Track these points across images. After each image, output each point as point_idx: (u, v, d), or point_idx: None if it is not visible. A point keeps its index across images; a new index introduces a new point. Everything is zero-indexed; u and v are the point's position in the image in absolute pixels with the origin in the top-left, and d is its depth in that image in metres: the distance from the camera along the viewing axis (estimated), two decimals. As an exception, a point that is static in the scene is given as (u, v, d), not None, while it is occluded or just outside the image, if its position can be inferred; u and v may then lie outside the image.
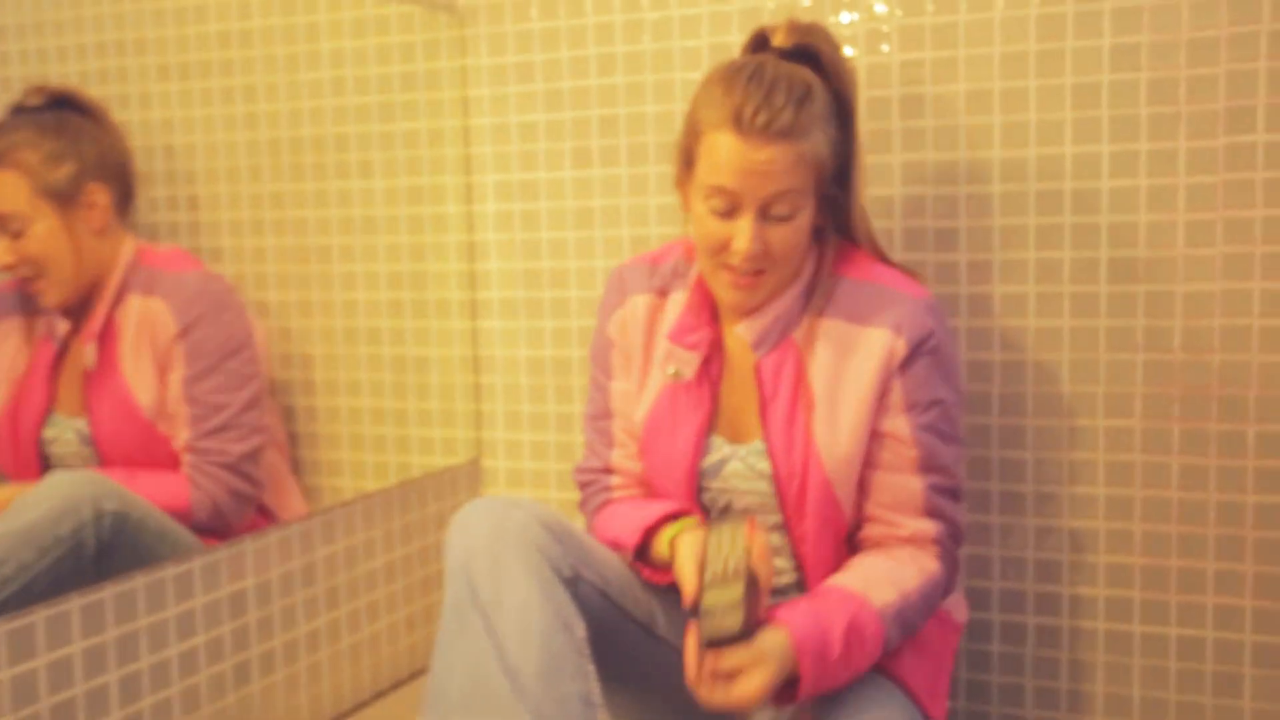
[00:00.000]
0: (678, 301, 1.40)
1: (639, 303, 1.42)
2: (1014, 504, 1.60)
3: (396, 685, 1.77)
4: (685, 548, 1.25)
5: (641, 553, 1.33)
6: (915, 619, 1.27)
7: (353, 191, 1.75)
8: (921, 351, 1.30)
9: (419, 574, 1.82)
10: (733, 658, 1.13)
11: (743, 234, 1.26)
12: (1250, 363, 1.48)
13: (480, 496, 1.88)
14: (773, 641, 1.15)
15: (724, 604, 1.15)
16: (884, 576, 1.26)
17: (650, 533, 1.33)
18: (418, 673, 1.81)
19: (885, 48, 1.60)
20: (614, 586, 1.28)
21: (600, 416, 1.46)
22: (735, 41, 1.66)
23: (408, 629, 1.80)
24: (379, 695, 1.74)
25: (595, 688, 1.15)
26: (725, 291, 1.32)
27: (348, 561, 1.67)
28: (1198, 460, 1.52)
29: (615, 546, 1.35)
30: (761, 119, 1.22)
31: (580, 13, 1.75)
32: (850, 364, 1.30)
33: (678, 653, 1.33)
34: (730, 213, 1.26)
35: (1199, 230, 1.49)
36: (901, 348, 1.29)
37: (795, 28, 1.32)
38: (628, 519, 1.36)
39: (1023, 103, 1.54)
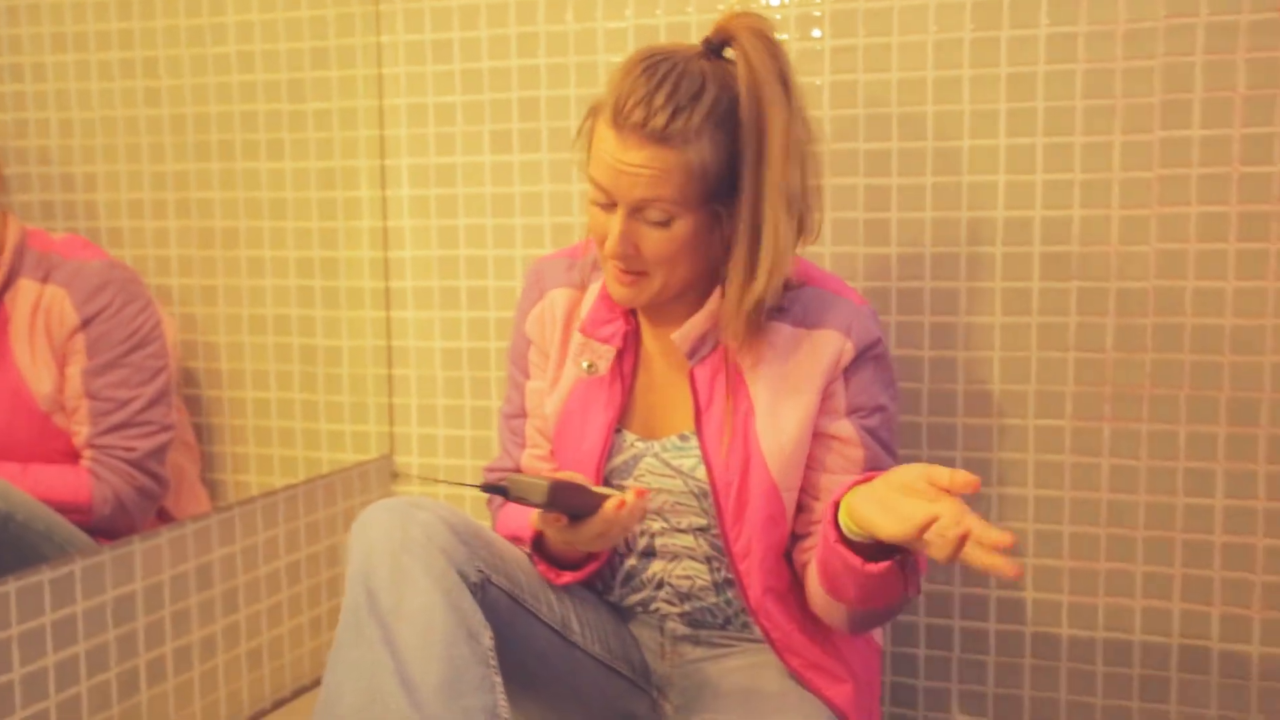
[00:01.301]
0: (595, 293, 1.35)
1: (557, 297, 1.36)
2: (942, 505, 1.56)
3: (298, 693, 1.69)
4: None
5: (539, 545, 1.28)
6: (913, 591, 1.21)
7: (261, 173, 1.66)
8: (868, 356, 1.27)
9: (325, 574, 1.74)
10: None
11: (612, 231, 1.21)
12: (1183, 362, 1.45)
13: (393, 494, 1.82)
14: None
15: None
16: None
17: None
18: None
19: (817, 33, 1.54)
20: (525, 590, 1.22)
21: (515, 415, 1.41)
22: (661, 24, 1.60)
23: (312, 632, 1.72)
24: (280, 703, 1.66)
25: (501, 699, 1.09)
26: (612, 286, 1.27)
27: (248, 562, 1.59)
28: (1128, 461, 1.49)
29: (516, 540, 1.30)
30: (637, 116, 1.16)
31: (502, -11, 1.69)
32: (796, 365, 1.26)
33: (591, 658, 1.29)
34: (609, 206, 1.21)
35: (1133, 226, 1.45)
36: (850, 350, 1.25)
37: (727, 22, 1.22)
38: (525, 511, 1.30)
39: (957, 92, 1.50)
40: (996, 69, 1.48)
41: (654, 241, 1.21)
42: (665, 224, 1.20)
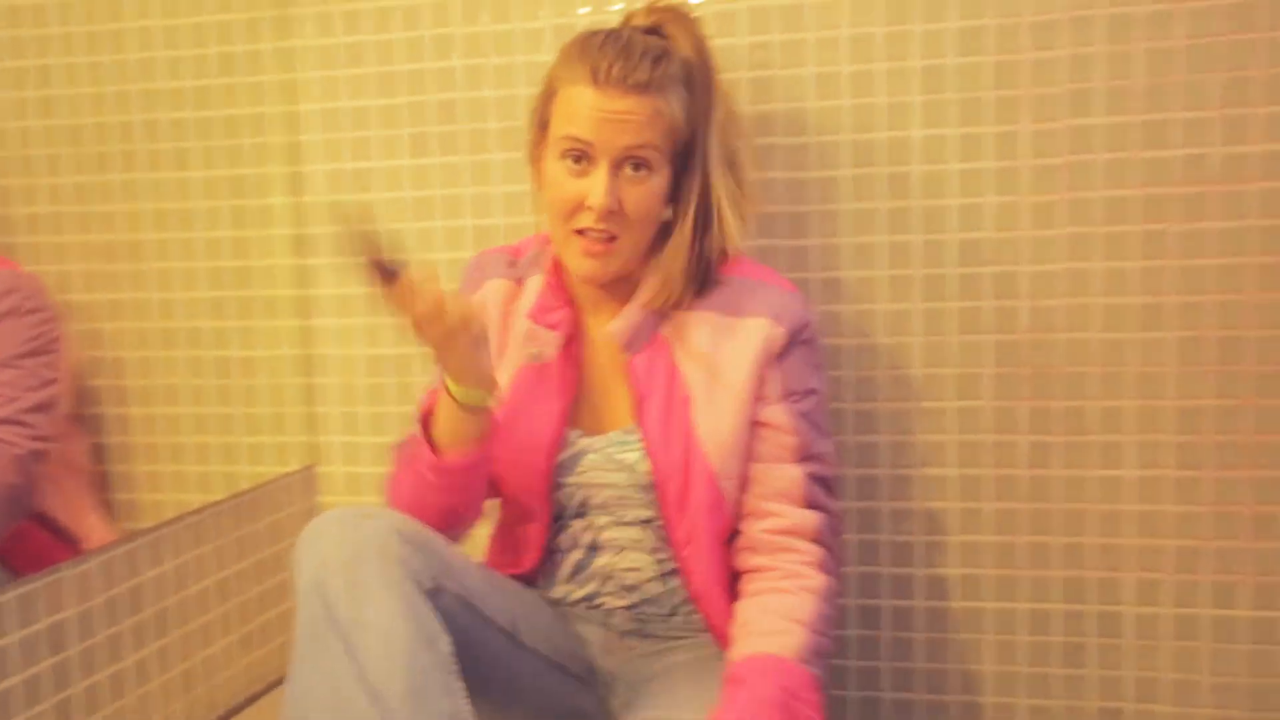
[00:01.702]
0: (535, 284, 1.37)
1: (496, 286, 1.38)
2: (869, 488, 1.60)
3: (231, 713, 1.65)
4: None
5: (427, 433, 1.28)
6: (826, 642, 1.23)
7: (167, 183, 1.62)
8: (798, 341, 1.30)
9: (255, 590, 1.71)
10: None
11: (597, 186, 1.23)
12: (1091, 340, 1.52)
13: (318, 505, 1.79)
14: None
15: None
16: (779, 622, 1.21)
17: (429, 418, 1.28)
18: (255, 696, 1.70)
19: (734, 30, 1.57)
20: (476, 594, 1.22)
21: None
22: (581, 22, 1.61)
23: (243, 650, 1.69)
24: (215, 724, 1.62)
25: (465, 705, 1.09)
26: (577, 261, 1.28)
27: (177, 582, 1.55)
28: (1044, 438, 1.55)
29: (411, 461, 1.28)
30: (618, 71, 1.22)
31: (414, -9, 1.67)
32: (727, 353, 1.28)
33: (540, 658, 1.30)
34: (584, 169, 1.24)
35: (1043, 212, 1.51)
36: (780, 336, 1.29)
37: (654, 9, 1.33)
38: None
39: (871, 86, 1.54)
40: (909, 62, 1.52)
41: (634, 197, 1.25)
42: (645, 178, 1.25)
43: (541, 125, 1.30)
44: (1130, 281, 1.50)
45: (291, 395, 1.77)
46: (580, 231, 1.26)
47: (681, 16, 1.32)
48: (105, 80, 1.54)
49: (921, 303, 1.56)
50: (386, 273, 1.14)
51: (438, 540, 1.19)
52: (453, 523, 1.29)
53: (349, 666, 1.05)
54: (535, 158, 1.32)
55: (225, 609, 1.65)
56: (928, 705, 1.62)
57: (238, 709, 1.66)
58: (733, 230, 1.30)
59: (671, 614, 1.36)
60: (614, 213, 1.25)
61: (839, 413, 1.59)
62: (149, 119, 1.59)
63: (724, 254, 1.32)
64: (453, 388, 1.22)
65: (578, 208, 1.25)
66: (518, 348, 1.35)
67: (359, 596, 1.07)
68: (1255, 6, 1.43)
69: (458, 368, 1.21)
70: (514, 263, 1.39)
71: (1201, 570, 1.52)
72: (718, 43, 1.55)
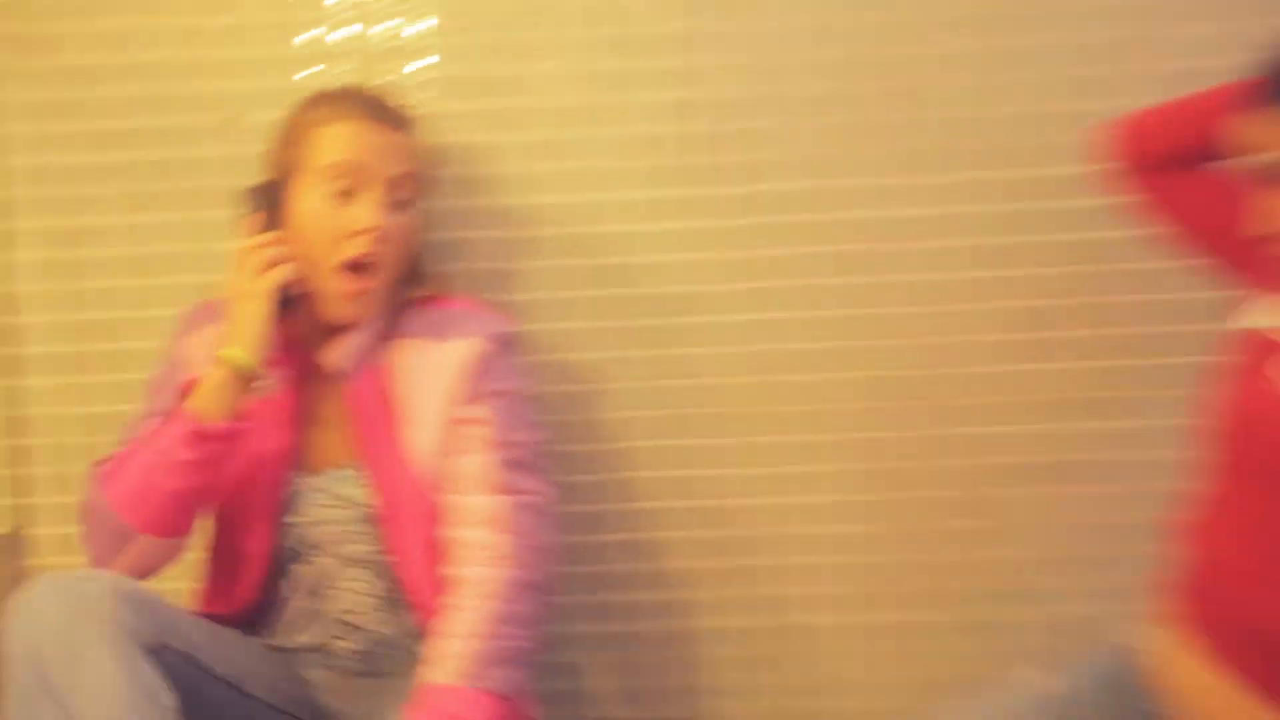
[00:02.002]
0: None
1: (212, 332, 1.35)
2: (575, 526, 1.67)
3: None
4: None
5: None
6: (508, 645, 1.24)
7: None
8: (497, 349, 1.36)
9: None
10: None
11: (371, 208, 1.28)
12: (772, 381, 1.66)
13: (26, 569, 1.72)
14: None
15: None
16: (447, 644, 1.23)
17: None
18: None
19: (444, 96, 1.62)
20: (199, 649, 1.22)
21: (147, 417, 1.36)
22: (302, 84, 1.61)
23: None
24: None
25: (189, 759, 1.10)
26: (338, 304, 1.31)
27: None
28: (750, 471, 1.68)
29: (150, 441, 1.27)
30: (382, 110, 1.31)
31: (130, 48, 1.64)
32: (434, 374, 1.33)
33: (271, 709, 1.31)
34: (349, 199, 1.28)
35: (728, 268, 1.65)
36: (479, 348, 1.34)
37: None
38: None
39: (578, 151, 1.63)
40: (620, 129, 1.63)
41: (399, 226, 1.31)
42: (405, 209, 1.32)
43: (284, 171, 1.31)
44: (825, 329, 1.65)
45: (-4, 457, 1.70)
46: (346, 268, 1.29)
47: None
48: None
49: (619, 350, 1.66)
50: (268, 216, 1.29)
51: (158, 598, 1.19)
52: (171, 522, 1.26)
53: None
54: (269, 208, 1.33)
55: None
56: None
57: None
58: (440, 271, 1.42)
59: (402, 647, 1.37)
60: (386, 238, 1.29)
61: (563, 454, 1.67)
62: None
63: (436, 290, 1.41)
64: (227, 353, 1.24)
65: (344, 237, 1.28)
66: None
67: (76, 660, 1.07)
68: (927, 88, 1.62)
69: (250, 320, 1.25)
70: None
71: (885, 581, 1.69)
72: (428, 109, 1.60)
